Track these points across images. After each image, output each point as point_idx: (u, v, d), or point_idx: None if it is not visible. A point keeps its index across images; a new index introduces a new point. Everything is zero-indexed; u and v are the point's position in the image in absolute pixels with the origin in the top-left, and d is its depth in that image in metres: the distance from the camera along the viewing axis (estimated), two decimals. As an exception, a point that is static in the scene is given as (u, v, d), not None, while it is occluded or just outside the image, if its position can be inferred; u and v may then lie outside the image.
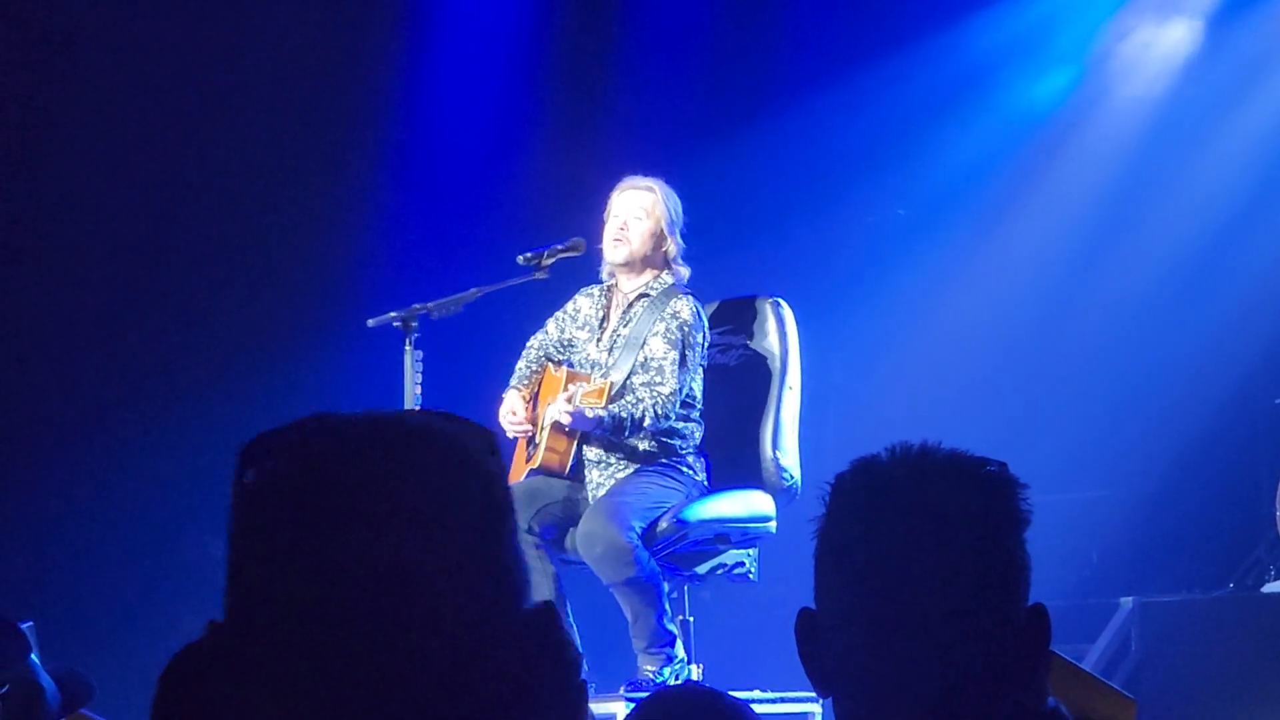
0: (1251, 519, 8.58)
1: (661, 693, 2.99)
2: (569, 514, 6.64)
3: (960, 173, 9.64)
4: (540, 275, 6.80)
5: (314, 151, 9.24)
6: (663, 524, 6.54)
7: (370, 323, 6.68)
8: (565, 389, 6.64)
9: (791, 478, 6.87)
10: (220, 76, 9.03)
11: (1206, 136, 9.36)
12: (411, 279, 8.33)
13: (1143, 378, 9.20)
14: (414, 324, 6.60)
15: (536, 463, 6.73)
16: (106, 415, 8.75)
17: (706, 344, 6.78)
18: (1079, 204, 9.58)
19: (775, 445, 6.87)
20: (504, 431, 6.90)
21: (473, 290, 6.73)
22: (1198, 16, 9.54)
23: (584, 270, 7.31)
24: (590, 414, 6.52)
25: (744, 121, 9.56)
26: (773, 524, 6.74)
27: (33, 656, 3.76)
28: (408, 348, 6.59)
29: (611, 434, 6.58)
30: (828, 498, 2.05)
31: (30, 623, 3.89)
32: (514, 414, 6.83)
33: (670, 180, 6.93)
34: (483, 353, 8.63)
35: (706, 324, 6.78)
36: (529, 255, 6.80)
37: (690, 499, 6.64)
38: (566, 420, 6.55)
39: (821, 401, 7.82)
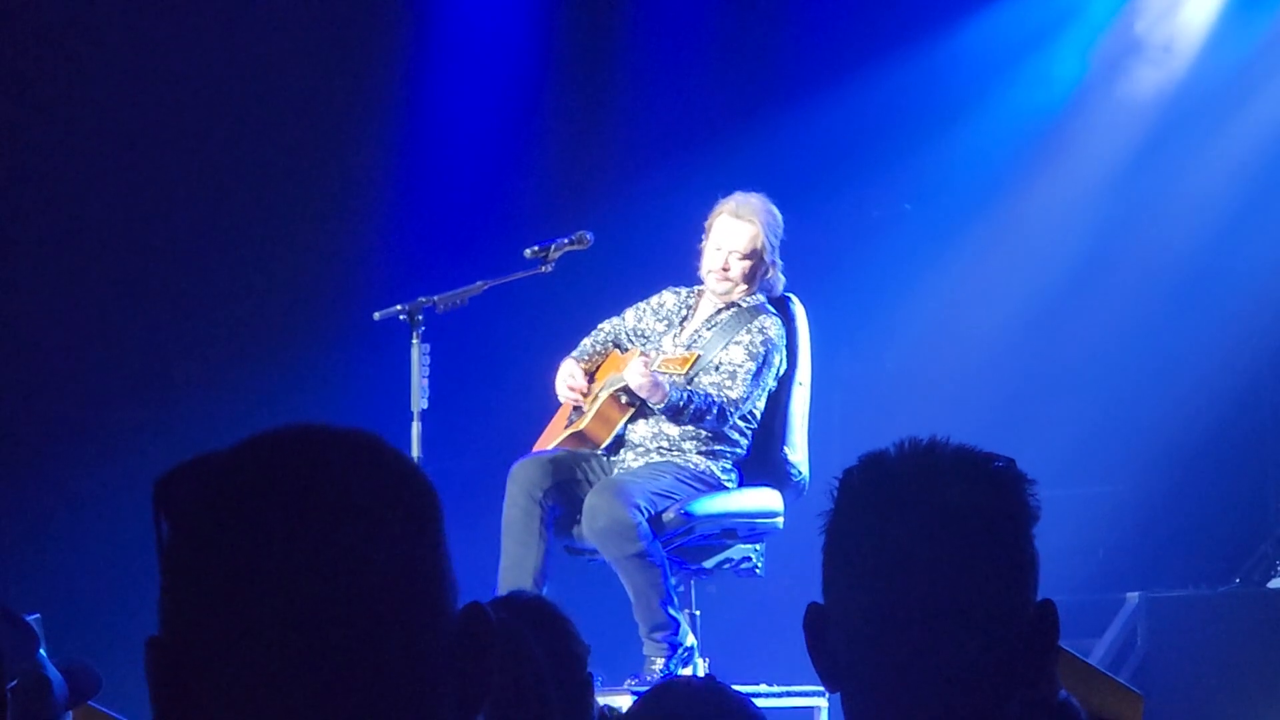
0: (1258, 514, 8.58)
1: (666, 684, 2.99)
2: (583, 498, 6.56)
3: (967, 168, 9.62)
4: (546, 269, 6.79)
5: (319, 144, 9.24)
6: (669, 516, 6.50)
7: (376, 316, 6.68)
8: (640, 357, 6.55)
9: (800, 473, 6.85)
10: (224, 71, 9.02)
11: (1215, 131, 9.34)
12: (417, 272, 8.33)
13: (1150, 372, 9.19)
14: (419, 317, 6.58)
15: (580, 426, 6.66)
16: (111, 407, 8.75)
17: (782, 371, 6.75)
18: (1086, 198, 9.57)
19: (784, 441, 6.84)
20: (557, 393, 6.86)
21: (478, 283, 6.73)
22: (1205, 11, 9.52)
23: (591, 265, 7.31)
24: (665, 380, 6.43)
25: (749, 116, 9.54)
26: (780, 519, 6.73)
27: (40, 650, 3.76)
28: (415, 341, 6.58)
29: (674, 411, 6.47)
30: (835, 493, 2.05)
31: (37, 615, 3.90)
32: (573, 378, 6.76)
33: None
34: (488, 346, 8.64)
35: (785, 352, 6.75)
36: (535, 249, 6.79)
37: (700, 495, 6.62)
38: (637, 382, 6.41)
39: (828, 397, 7.81)
